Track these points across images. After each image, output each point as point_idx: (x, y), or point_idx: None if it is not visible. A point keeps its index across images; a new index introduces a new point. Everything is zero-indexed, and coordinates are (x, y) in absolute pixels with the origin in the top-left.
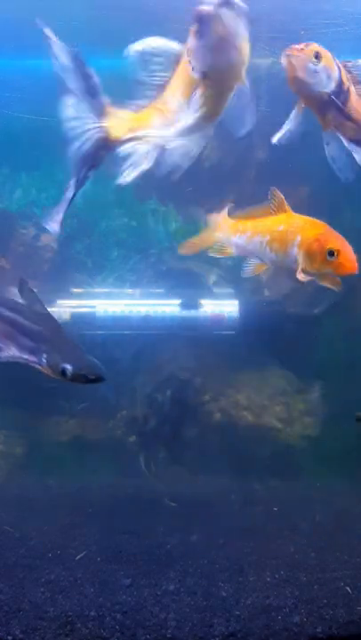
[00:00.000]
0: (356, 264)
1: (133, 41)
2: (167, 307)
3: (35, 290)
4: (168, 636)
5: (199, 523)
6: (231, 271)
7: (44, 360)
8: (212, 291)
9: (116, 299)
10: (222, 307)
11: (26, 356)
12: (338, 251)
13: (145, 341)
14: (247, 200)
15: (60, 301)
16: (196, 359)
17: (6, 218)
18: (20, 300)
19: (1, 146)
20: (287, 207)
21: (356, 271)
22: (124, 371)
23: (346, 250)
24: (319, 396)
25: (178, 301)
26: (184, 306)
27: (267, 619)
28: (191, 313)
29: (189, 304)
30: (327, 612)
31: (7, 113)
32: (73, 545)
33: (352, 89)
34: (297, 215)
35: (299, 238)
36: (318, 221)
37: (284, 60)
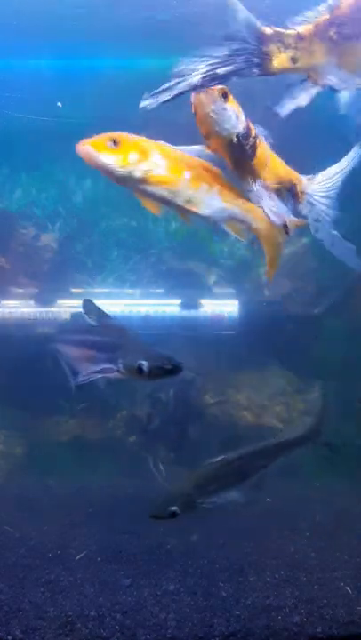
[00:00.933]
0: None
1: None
2: (167, 307)
3: (36, 289)
4: (168, 636)
5: (199, 523)
6: (231, 271)
7: (120, 365)
8: (212, 291)
9: (116, 299)
10: (222, 307)
11: (102, 369)
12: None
13: (145, 341)
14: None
15: (60, 301)
16: (197, 359)
17: (6, 218)
18: (85, 316)
19: (1, 146)
20: None
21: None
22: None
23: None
24: (319, 396)
25: (178, 301)
26: (184, 306)
27: (267, 619)
28: (191, 313)
29: (189, 304)
30: (327, 612)
31: (7, 113)
32: (73, 545)
33: (262, 142)
34: None
35: None
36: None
37: (193, 99)
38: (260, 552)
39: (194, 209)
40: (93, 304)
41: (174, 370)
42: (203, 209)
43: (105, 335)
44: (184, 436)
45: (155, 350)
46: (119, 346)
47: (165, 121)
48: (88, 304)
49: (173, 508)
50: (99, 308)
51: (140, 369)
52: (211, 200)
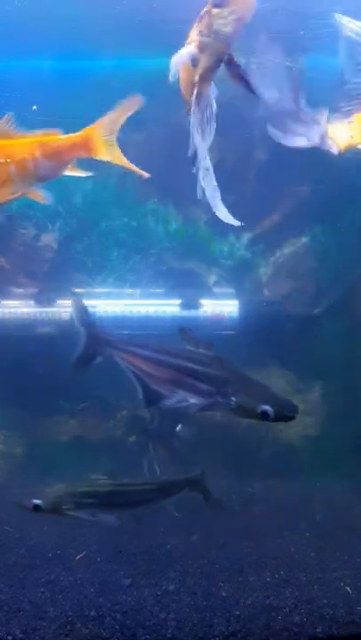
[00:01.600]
0: None
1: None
2: (167, 307)
3: (36, 289)
4: (168, 636)
5: (199, 523)
6: (231, 271)
7: (234, 402)
8: (212, 291)
9: (116, 299)
10: (222, 307)
11: (200, 400)
12: None
13: (145, 341)
14: (247, 200)
15: (60, 301)
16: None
17: (6, 218)
18: (187, 345)
19: None
20: None
21: None
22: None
23: None
24: (319, 396)
25: (178, 301)
26: (184, 306)
27: (267, 619)
28: (191, 313)
29: (189, 304)
30: (327, 612)
31: (7, 113)
32: (73, 545)
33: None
34: None
35: None
36: None
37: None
38: (260, 552)
39: None
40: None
41: (293, 418)
42: None
43: (205, 365)
44: (176, 436)
45: (275, 394)
46: (228, 381)
47: (165, 121)
48: (185, 331)
49: (37, 502)
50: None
51: (264, 414)
52: None
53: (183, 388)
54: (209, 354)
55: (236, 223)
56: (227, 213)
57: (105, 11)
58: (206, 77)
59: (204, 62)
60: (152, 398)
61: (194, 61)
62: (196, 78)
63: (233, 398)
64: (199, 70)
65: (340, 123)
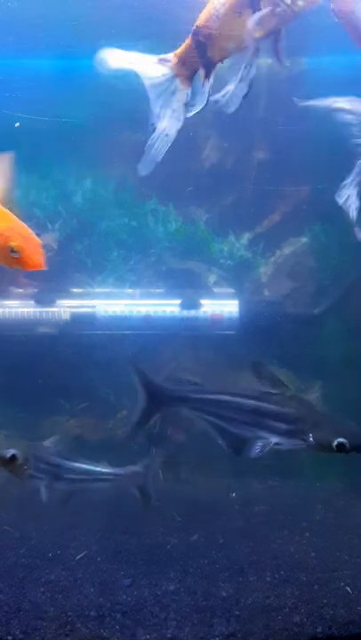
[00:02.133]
0: (42, 259)
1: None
2: (167, 307)
3: (36, 289)
4: (168, 635)
5: (199, 523)
6: (231, 271)
7: (312, 439)
8: (212, 291)
9: (116, 299)
10: (222, 307)
11: (281, 440)
12: (20, 248)
13: (145, 341)
14: (247, 200)
15: (59, 301)
16: (197, 359)
17: None
18: (257, 383)
19: (1, 146)
20: None
21: (43, 267)
22: (125, 371)
23: (29, 247)
24: (319, 396)
25: (178, 301)
26: (184, 306)
27: (267, 619)
28: (191, 313)
29: (189, 304)
30: (327, 612)
31: (7, 113)
32: (73, 545)
33: None
34: None
35: None
36: (6, 212)
37: None
38: (260, 552)
39: None
40: (267, 369)
41: None
42: None
43: (280, 404)
44: (181, 436)
45: (347, 425)
46: (303, 418)
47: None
48: (258, 365)
49: (12, 451)
50: (271, 374)
51: (340, 447)
52: None
53: (263, 429)
54: (282, 393)
55: None
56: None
57: (105, 10)
58: (262, 38)
59: (267, 25)
60: (235, 444)
61: (260, 22)
62: (256, 35)
63: (310, 435)
64: (260, 31)
65: None
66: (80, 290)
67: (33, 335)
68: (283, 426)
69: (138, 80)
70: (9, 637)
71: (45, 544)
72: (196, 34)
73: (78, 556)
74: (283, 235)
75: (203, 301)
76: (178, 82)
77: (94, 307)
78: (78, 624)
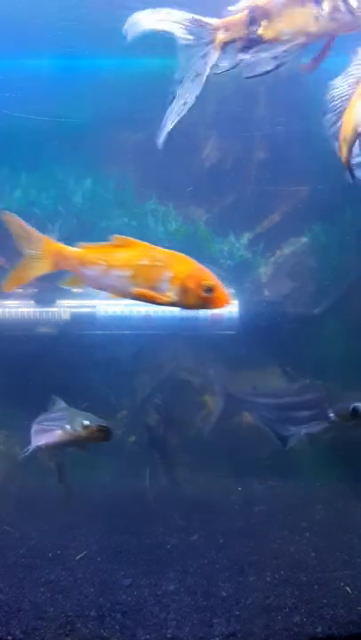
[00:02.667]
0: (229, 297)
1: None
2: (167, 307)
3: (36, 289)
4: (168, 635)
5: (199, 523)
6: (231, 271)
7: (331, 415)
8: None
9: (116, 299)
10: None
11: (309, 427)
12: (214, 286)
13: (145, 341)
14: (247, 200)
15: (59, 301)
16: (197, 359)
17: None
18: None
19: (1, 146)
20: (133, 240)
21: (228, 304)
22: (125, 371)
23: (219, 284)
24: None
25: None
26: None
27: (267, 619)
28: (191, 313)
29: None
30: (327, 612)
31: (7, 113)
32: (73, 545)
33: None
34: (156, 248)
35: (170, 274)
36: (183, 255)
37: None
38: (260, 552)
39: None
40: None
41: None
42: None
43: (299, 394)
44: (181, 436)
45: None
46: (322, 399)
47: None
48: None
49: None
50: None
51: (355, 410)
52: None
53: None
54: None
55: None
56: None
57: (105, 10)
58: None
59: (325, 25)
60: (285, 436)
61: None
62: (312, 30)
63: (330, 411)
64: (317, 28)
65: None
66: (80, 290)
67: (33, 335)
68: (306, 413)
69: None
70: (9, 637)
71: (45, 544)
72: (253, 10)
73: (78, 556)
74: (283, 235)
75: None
76: (211, 47)
77: (94, 307)
78: (78, 624)
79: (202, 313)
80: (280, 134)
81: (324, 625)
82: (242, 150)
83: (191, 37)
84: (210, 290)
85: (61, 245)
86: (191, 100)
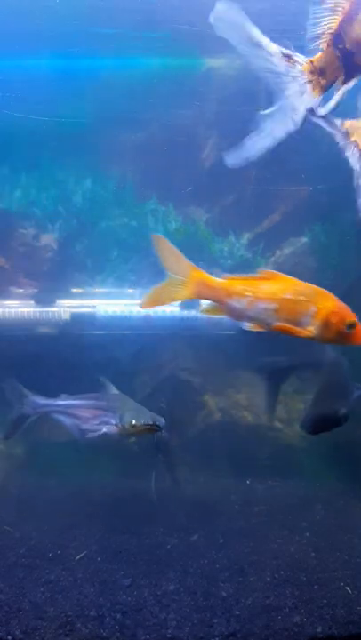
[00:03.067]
0: None
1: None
2: (167, 307)
3: (36, 289)
4: (168, 635)
5: (199, 523)
6: (231, 271)
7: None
8: None
9: (116, 299)
10: None
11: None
12: (356, 323)
13: (145, 341)
14: (247, 200)
15: (59, 301)
16: (197, 359)
17: (6, 218)
18: None
19: (1, 146)
20: (277, 273)
21: None
22: (125, 371)
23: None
24: None
25: (178, 301)
26: (184, 306)
27: (267, 619)
28: (191, 313)
29: (189, 304)
30: (327, 612)
31: (7, 113)
32: (73, 545)
33: None
34: (300, 282)
35: (313, 309)
36: (325, 290)
37: None
38: (260, 552)
39: None
40: None
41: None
42: None
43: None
44: (182, 436)
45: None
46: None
47: (166, 121)
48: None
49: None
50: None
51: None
52: None
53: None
54: None
55: None
56: None
57: (106, 10)
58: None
59: None
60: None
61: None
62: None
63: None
64: None
65: None
66: (80, 290)
67: (33, 335)
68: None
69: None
70: (9, 637)
71: (45, 544)
72: (337, 41)
73: (78, 556)
74: (283, 235)
75: (202, 301)
76: (309, 87)
77: (94, 307)
78: (78, 624)
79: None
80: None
81: (324, 625)
82: None
83: (281, 71)
84: (352, 326)
85: (208, 276)
86: (280, 136)
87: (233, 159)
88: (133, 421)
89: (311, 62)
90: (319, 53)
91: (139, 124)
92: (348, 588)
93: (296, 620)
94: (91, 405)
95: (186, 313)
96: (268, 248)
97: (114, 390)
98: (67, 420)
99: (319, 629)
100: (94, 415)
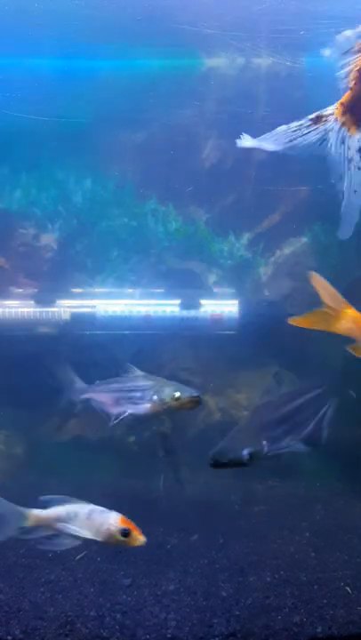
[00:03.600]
0: None
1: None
2: (167, 307)
3: (36, 289)
4: (168, 635)
5: (199, 523)
6: (231, 271)
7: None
8: (212, 291)
9: (116, 299)
10: (222, 307)
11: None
12: None
13: (145, 341)
14: (247, 200)
15: (59, 301)
16: (196, 359)
17: (6, 218)
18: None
19: (1, 146)
20: None
21: None
22: (124, 371)
23: None
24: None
25: (178, 301)
26: (184, 306)
27: (267, 619)
28: (191, 313)
29: (189, 304)
30: (327, 612)
31: (7, 113)
32: (73, 545)
33: None
34: None
35: None
36: None
37: None
38: (260, 552)
39: None
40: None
41: None
42: None
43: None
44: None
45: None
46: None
47: (166, 121)
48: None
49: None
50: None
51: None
52: None
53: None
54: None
55: None
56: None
57: (106, 10)
58: None
59: None
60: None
61: None
62: None
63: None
64: None
65: None
66: (80, 290)
67: (33, 335)
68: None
69: None
70: (9, 637)
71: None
72: None
73: (78, 556)
74: (283, 235)
75: (203, 301)
76: (345, 130)
77: (94, 307)
78: (78, 624)
79: (202, 313)
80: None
81: (324, 625)
82: (242, 150)
83: (316, 138)
84: None
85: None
86: (360, 186)
87: (344, 232)
88: (177, 394)
89: (341, 104)
90: (348, 92)
91: (139, 123)
92: (348, 588)
93: (296, 619)
94: (127, 388)
95: (186, 313)
96: (268, 248)
97: (140, 373)
98: (109, 405)
99: (319, 629)
100: (126, 399)
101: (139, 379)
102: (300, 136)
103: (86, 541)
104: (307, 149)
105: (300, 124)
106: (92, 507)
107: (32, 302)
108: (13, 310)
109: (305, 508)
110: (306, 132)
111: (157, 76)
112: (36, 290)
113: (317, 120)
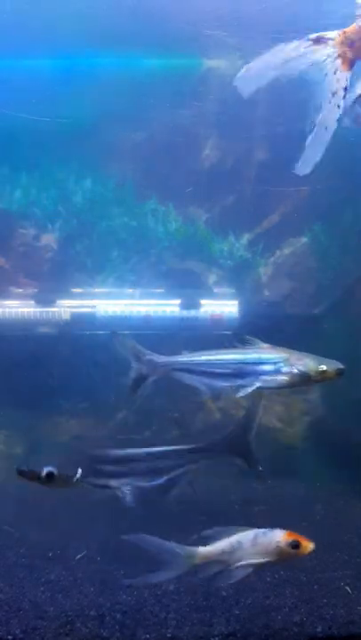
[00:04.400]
0: None
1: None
2: (167, 307)
3: (36, 289)
4: (168, 635)
5: (199, 523)
6: (231, 271)
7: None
8: (212, 291)
9: (116, 299)
10: (222, 307)
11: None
12: None
13: (145, 341)
14: (247, 200)
15: (59, 301)
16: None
17: (6, 218)
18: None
19: (1, 146)
20: None
21: None
22: (125, 371)
23: None
24: (319, 396)
25: (178, 301)
26: (184, 306)
27: (267, 618)
28: (191, 313)
29: (189, 304)
30: (327, 612)
31: (7, 113)
32: (73, 545)
33: None
34: None
35: None
36: None
37: None
38: None
39: None
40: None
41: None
42: None
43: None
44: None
45: None
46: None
47: (166, 121)
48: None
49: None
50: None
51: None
52: None
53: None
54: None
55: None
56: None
57: (106, 10)
58: None
59: None
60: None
61: None
62: None
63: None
64: None
65: None
66: (80, 290)
67: (33, 335)
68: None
69: None
70: (9, 637)
71: (45, 544)
72: None
73: (78, 556)
74: (283, 235)
75: (203, 301)
76: (339, 62)
77: (94, 307)
78: (78, 624)
79: (202, 313)
80: (280, 134)
81: (324, 625)
82: (242, 150)
83: (316, 60)
84: None
85: None
86: (332, 124)
87: (303, 168)
88: (324, 367)
89: (344, 32)
90: (353, 24)
91: (139, 123)
92: (348, 588)
93: (296, 619)
94: (232, 361)
95: (186, 313)
96: (268, 248)
97: (264, 344)
98: (194, 379)
99: (319, 629)
100: (236, 371)
101: (266, 350)
102: (297, 56)
103: (86, 541)
104: (299, 70)
105: (299, 44)
106: (254, 531)
107: (32, 302)
108: (13, 310)
109: (305, 508)
110: (303, 52)
111: (157, 76)
112: (36, 290)
113: (317, 41)
